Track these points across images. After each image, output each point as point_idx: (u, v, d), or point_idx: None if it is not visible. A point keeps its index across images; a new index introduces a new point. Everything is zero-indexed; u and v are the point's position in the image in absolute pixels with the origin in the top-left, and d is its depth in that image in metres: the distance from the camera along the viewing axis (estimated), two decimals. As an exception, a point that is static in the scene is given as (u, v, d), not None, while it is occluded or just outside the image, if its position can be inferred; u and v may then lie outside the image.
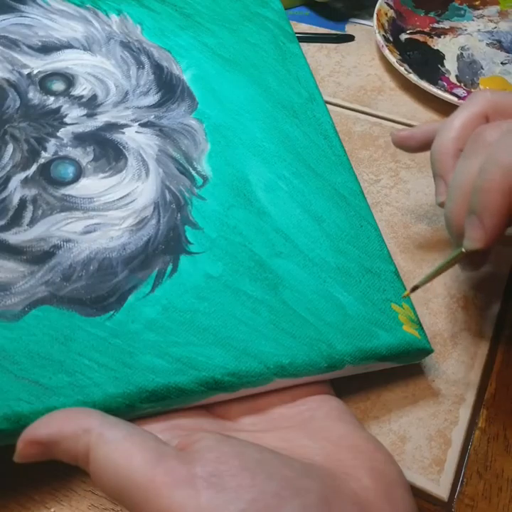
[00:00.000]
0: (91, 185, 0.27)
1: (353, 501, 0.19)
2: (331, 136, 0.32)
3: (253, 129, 0.31)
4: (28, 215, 0.26)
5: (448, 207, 0.25)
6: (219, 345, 0.23)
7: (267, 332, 0.24)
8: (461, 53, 0.44)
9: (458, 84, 0.42)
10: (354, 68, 0.44)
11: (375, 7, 0.45)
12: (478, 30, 0.46)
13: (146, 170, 0.28)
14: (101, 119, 0.29)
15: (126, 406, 0.22)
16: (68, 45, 0.32)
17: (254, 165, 0.30)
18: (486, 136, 0.24)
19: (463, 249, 0.24)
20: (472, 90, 0.41)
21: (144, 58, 0.32)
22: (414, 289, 0.26)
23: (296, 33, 0.39)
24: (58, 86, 0.30)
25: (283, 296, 0.25)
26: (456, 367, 0.28)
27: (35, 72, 0.30)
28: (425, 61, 0.43)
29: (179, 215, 0.27)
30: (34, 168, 0.27)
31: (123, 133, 0.29)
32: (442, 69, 0.43)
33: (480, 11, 0.48)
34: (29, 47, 0.31)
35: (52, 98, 0.29)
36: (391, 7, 0.46)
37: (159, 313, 0.24)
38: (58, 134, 0.28)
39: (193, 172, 0.29)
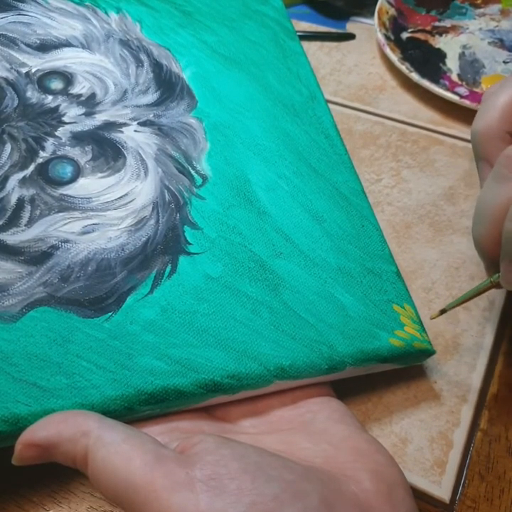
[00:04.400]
0: (89, 185, 0.27)
1: (354, 504, 0.19)
2: (332, 135, 0.32)
3: (253, 127, 0.31)
4: (25, 215, 0.25)
5: (477, 231, 0.24)
6: (219, 347, 0.23)
7: (267, 333, 0.24)
8: (463, 52, 0.44)
9: (460, 83, 0.41)
10: (355, 67, 0.43)
11: (376, 5, 0.45)
12: (480, 28, 0.46)
13: (145, 169, 0.28)
14: (99, 118, 0.29)
15: (125, 408, 0.22)
16: (67, 44, 0.31)
17: (255, 164, 0.29)
18: None
19: (491, 280, 0.24)
20: (474, 89, 0.41)
21: (143, 56, 0.32)
22: (443, 311, 0.26)
23: (297, 32, 0.39)
24: (57, 85, 0.30)
25: (283, 297, 0.25)
26: (458, 368, 0.28)
27: (33, 70, 0.30)
28: (427, 60, 0.43)
29: (178, 215, 0.27)
30: (32, 167, 0.27)
31: (122, 132, 0.29)
32: (444, 68, 0.43)
33: (482, 10, 0.47)
34: (27, 45, 0.31)
35: (50, 97, 0.29)
36: (392, 5, 0.45)
37: (158, 314, 0.24)
38: (56, 133, 0.28)
39: (193, 171, 0.28)
